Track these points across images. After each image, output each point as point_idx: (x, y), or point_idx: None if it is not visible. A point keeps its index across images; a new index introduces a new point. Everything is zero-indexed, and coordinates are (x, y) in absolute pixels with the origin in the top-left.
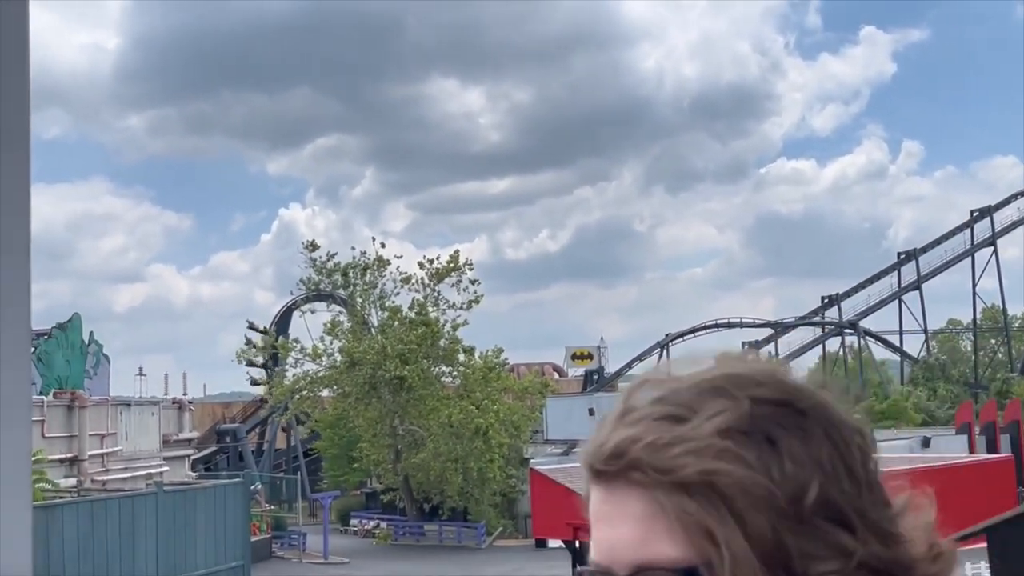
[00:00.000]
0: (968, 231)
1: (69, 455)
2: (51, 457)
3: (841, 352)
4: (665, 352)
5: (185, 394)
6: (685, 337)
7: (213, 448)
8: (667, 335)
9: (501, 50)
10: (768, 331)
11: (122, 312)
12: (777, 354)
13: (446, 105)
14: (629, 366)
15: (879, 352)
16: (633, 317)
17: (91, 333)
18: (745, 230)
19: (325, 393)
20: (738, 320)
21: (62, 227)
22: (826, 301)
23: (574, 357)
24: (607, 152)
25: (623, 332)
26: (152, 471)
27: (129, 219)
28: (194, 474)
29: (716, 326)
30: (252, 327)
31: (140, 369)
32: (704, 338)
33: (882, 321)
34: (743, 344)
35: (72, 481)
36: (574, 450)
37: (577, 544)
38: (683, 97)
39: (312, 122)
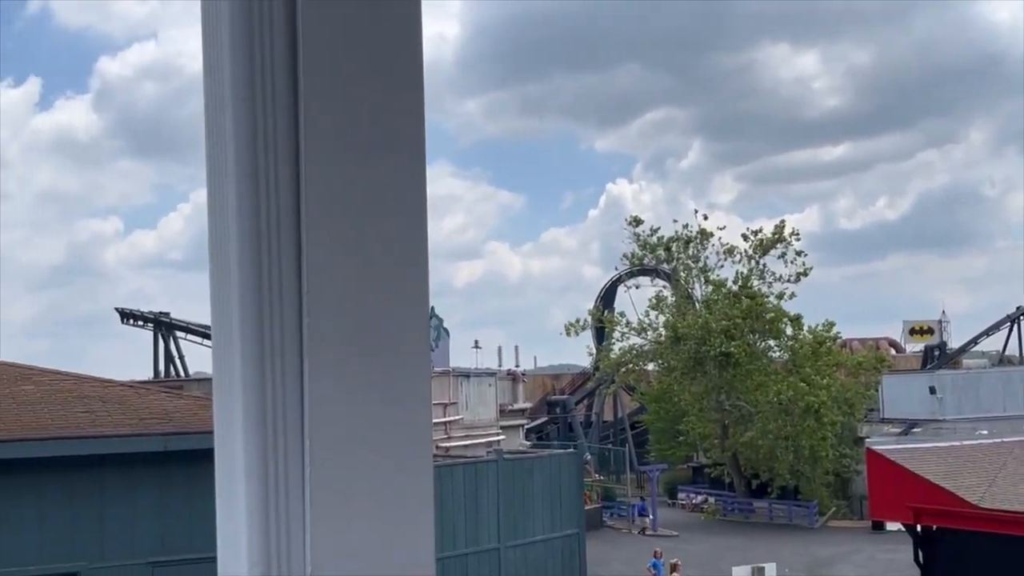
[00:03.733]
0: None
1: None
2: None
3: None
4: (1016, 327)
5: (518, 366)
6: None
7: (544, 418)
8: (1018, 308)
9: (837, 11)
10: None
11: (460, 287)
12: None
13: (777, 71)
14: (975, 341)
15: None
16: (980, 289)
17: (432, 308)
18: None
19: (650, 367)
20: None
21: None
22: None
23: (912, 332)
24: (953, 112)
25: (968, 305)
26: (490, 439)
27: (468, 199)
28: (527, 443)
29: None
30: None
31: (476, 342)
32: None
33: None
34: None
35: None
36: (914, 430)
37: (919, 528)
38: None
39: (640, 97)
